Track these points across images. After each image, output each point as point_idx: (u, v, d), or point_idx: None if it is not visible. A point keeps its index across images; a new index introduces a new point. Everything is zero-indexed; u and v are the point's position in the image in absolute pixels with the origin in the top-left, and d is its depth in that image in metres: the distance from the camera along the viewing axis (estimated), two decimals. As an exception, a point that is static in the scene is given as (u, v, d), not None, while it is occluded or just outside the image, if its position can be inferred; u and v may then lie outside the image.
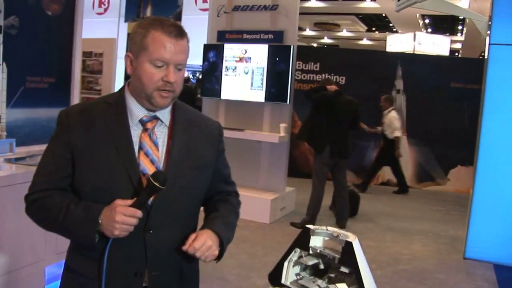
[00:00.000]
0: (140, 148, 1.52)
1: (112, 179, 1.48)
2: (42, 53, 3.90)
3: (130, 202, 1.41)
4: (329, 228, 1.42)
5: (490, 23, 5.00)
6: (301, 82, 8.59)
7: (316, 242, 1.45)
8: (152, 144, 1.53)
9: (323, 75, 8.67)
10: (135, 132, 1.53)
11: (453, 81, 8.67)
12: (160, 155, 1.54)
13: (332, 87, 5.88)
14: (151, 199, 1.47)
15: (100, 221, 1.41)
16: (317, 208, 5.88)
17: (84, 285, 1.54)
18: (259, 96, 6.20)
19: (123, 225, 1.39)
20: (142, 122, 1.53)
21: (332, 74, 8.56)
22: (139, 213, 1.40)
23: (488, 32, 5.04)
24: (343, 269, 1.37)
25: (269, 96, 6.15)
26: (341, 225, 5.98)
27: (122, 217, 1.38)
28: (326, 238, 1.42)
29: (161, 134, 1.56)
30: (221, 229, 1.59)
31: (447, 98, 8.62)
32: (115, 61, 9.91)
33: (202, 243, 1.48)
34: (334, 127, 5.77)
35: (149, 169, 1.50)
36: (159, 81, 1.46)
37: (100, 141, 1.50)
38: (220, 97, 6.39)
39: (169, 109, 1.59)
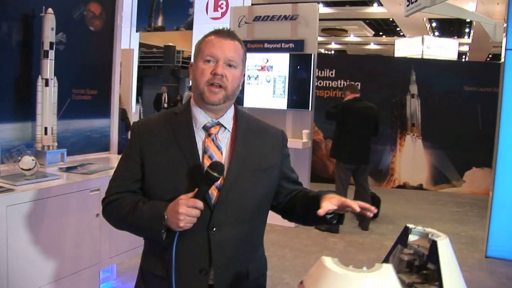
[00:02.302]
0: (204, 152, 1.61)
1: (178, 181, 1.58)
2: (86, 67, 4.09)
3: (192, 195, 1.50)
4: (427, 229, 1.52)
5: (506, 27, 5.15)
6: (317, 89, 8.74)
7: (412, 239, 1.54)
8: (215, 148, 1.62)
9: (339, 82, 8.86)
10: (200, 137, 1.64)
11: (467, 84, 8.85)
12: (223, 158, 1.63)
13: (351, 96, 6.06)
14: (214, 197, 1.58)
15: (165, 216, 1.49)
16: (340, 211, 6.01)
17: (155, 285, 1.66)
18: (281, 103, 6.37)
19: (186, 217, 1.46)
20: (206, 128, 1.64)
21: (348, 80, 8.72)
22: (200, 204, 1.47)
23: (505, 35, 5.17)
24: (430, 266, 1.47)
25: (291, 104, 6.32)
26: (363, 227, 6.14)
27: (185, 208, 1.45)
28: (418, 237, 1.52)
29: (224, 139, 1.66)
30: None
31: (461, 101, 8.80)
32: (133, 71, 10.11)
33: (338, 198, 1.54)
34: (356, 134, 5.94)
35: None
36: (208, 75, 1.58)
37: (167, 146, 1.63)
38: (243, 105, 6.55)
39: (231, 116, 1.70)
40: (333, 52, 29.81)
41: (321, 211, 1.48)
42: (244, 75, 1.73)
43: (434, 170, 9.02)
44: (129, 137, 1.75)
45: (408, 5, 7.96)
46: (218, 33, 1.63)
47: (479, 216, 6.91)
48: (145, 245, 1.74)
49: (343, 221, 1.64)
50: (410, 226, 1.55)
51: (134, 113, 12.33)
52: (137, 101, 13.90)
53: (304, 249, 5.28)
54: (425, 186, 9.01)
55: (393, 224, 6.53)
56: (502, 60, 5.20)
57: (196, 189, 1.51)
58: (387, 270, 1.13)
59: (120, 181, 1.68)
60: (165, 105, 14.97)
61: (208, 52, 1.60)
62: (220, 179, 1.56)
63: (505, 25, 5.18)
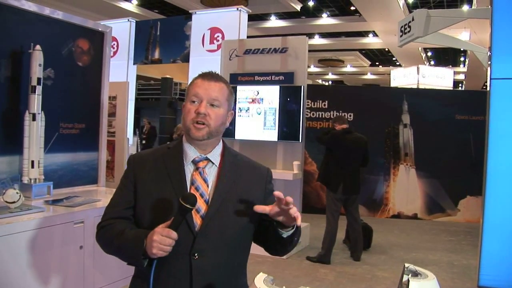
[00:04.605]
0: (192, 183, 1.73)
1: (166, 210, 1.68)
2: (74, 101, 4.18)
3: (168, 223, 1.58)
4: (418, 268, 1.54)
5: (490, 57, 5.22)
6: (310, 120, 8.83)
7: (405, 278, 1.56)
8: (202, 180, 1.74)
9: (332, 113, 8.93)
10: (189, 170, 1.76)
11: (458, 113, 8.93)
12: (209, 190, 1.74)
13: (339, 127, 6.11)
14: (198, 225, 1.67)
15: (145, 243, 1.59)
16: (332, 242, 6.01)
17: None
18: (272, 135, 6.43)
19: (159, 244, 1.55)
20: (194, 162, 1.77)
21: (340, 111, 8.80)
22: (173, 234, 1.56)
23: (489, 64, 5.24)
24: None
25: (281, 135, 6.38)
26: (355, 258, 6.11)
27: (159, 236, 1.55)
28: (407, 276, 1.54)
29: (211, 173, 1.78)
30: None
31: (453, 130, 8.86)
32: (128, 103, 10.20)
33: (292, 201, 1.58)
34: (345, 165, 5.96)
35: (199, 202, 1.69)
36: (193, 113, 1.72)
37: (158, 177, 1.75)
38: (234, 137, 6.61)
39: (219, 152, 1.83)
40: (330, 82, 30.09)
41: (256, 207, 1.62)
42: (234, 113, 1.88)
43: (428, 199, 9.02)
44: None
45: (401, 36, 8.07)
46: (203, 76, 1.78)
47: (473, 245, 6.87)
48: (134, 270, 1.82)
49: (294, 232, 1.69)
50: (406, 264, 1.57)
51: (132, 145, 12.40)
52: (135, 133, 13.99)
53: (294, 280, 5.26)
54: (420, 216, 9.00)
55: (385, 254, 6.51)
56: (488, 89, 5.26)
57: (172, 218, 1.58)
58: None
59: (114, 208, 1.80)
60: (144, 136, 15.05)
61: (194, 93, 1.75)
62: (204, 208, 1.69)
63: (489, 54, 5.26)
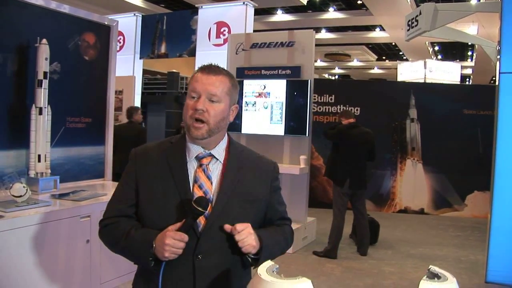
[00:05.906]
0: (195, 181, 1.67)
1: (168, 208, 1.65)
2: (80, 95, 4.18)
3: (179, 225, 1.56)
4: (440, 271, 1.51)
5: (499, 51, 5.17)
6: (317, 114, 8.80)
7: None
8: (205, 178, 1.68)
9: (338, 107, 8.90)
10: (192, 167, 1.70)
11: (466, 108, 8.85)
12: (213, 188, 1.68)
13: (346, 122, 6.08)
14: (202, 225, 1.63)
15: (154, 245, 1.57)
16: (338, 236, 5.99)
17: None
18: (278, 129, 6.40)
19: (172, 248, 1.53)
20: (198, 158, 1.71)
21: (347, 106, 8.77)
22: (186, 237, 1.55)
23: (498, 58, 5.19)
24: None
25: (288, 130, 6.35)
26: (362, 252, 6.09)
27: (171, 240, 1.53)
28: (425, 278, 1.52)
29: (216, 170, 1.72)
30: (265, 236, 1.68)
31: (461, 125, 8.80)
32: (134, 97, 10.24)
33: (244, 228, 1.60)
34: (352, 159, 5.94)
35: None
36: (191, 110, 1.64)
37: (161, 174, 1.69)
38: (241, 131, 6.58)
39: (224, 147, 1.76)
40: (337, 77, 29.99)
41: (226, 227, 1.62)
42: (238, 107, 1.80)
43: (435, 194, 8.98)
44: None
45: (408, 30, 8.01)
46: (202, 69, 1.70)
47: (480, 240, 6.84)
48: (137, 268, 1.79)
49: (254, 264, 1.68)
50: (430, 266, 1.55)
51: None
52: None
53: (299, 274, 5.24)
54: (427, 211, 8.96)
55: (392, 249, 6.49)
56: (497, 83, 5.21)
57: (183, 221, 1.56)
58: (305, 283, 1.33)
59: (117, 205, 1.75)
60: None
61: (192, 88, 1.67)
62: (208, 207, 1.61)
63: (498, 47, 5.20)
